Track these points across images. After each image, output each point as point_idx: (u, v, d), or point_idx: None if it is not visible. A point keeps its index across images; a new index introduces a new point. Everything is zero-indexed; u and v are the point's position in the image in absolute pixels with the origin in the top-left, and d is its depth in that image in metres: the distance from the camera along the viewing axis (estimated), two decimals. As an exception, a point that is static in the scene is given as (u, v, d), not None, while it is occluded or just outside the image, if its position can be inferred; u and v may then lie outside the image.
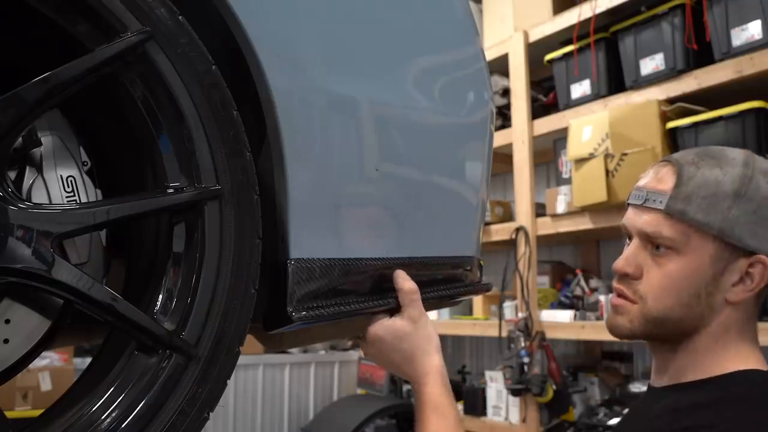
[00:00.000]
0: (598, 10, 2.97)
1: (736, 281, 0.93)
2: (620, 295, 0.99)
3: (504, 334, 3.33)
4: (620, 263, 0.99)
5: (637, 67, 2.85)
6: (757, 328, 0.99)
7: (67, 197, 0.82)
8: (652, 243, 0.96)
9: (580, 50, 3.09)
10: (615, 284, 1.01)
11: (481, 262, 1.24)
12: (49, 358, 3.34)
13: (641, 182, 1.01)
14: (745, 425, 0.85)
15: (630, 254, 0.98)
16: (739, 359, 0.94)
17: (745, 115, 2.44)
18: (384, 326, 1.02)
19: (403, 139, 1.05)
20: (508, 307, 3.36)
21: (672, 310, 0.95)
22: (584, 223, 3.00)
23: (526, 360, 3.11)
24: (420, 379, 1.02)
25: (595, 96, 3.05)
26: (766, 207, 0.92)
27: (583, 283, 3.25)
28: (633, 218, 0.99)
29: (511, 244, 3.37)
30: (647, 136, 2.65)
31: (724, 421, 0.86)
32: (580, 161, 2.86)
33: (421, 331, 1.03)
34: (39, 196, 0.80)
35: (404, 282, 1.01)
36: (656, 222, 0.95)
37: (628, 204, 1.01)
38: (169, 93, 0.78)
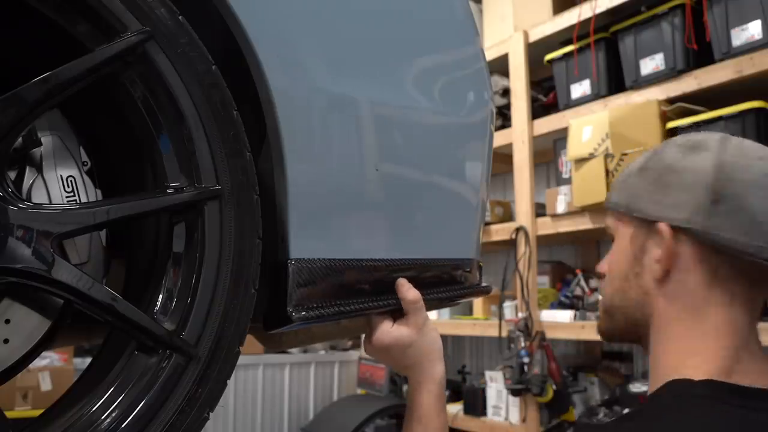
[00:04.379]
0: (598, 10, 2.97)
1: (658, 257, 0.87)
2: None
3: (504, 334, 3.33)
4: (599, 263, 1.00)
5: (637, 67, 2.85)
6: (731, 323, 0.85)
7: (67, 197, 0.82)
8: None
9: (580, 50, 3.09)
10: None
11: (481, 264, 1.24)
12: (49, 358, 3.34)
13: None
14: None
15: (608, 254, 0.99)
16: (679, 363, 0.85)
17: (745, 115, 2.44)
18: (390, 335, 1.03)
19: (403, 140, 1.05)
20: (508, 307, 3.36)
21: (613, 299, 0.94)
22: (584, 223, 3.00)
23: (526, 360, 3.11)
24: (416, 385, 1.05)
25: (595, 96, 3.05)
26: (667, 173, 0.87)
27: (583, 283, 3.25)
28: None
29: (511, 244, 3.36)
30: (647, 136, 2.65)
31: None
32: (580, 161, 2.86)
33: (425, 338, 1.04)
34: (39, 196, 0.80)
35: (407, 291, 1.02)
36: (607, 217, 0.98)
37: None
38: (169, 93, 0.78)
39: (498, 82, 3.52)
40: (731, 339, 0.85)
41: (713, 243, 0.83)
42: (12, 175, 0.78)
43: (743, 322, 0.85)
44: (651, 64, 2.80)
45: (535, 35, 3.35)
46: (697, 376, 0.82)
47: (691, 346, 0.85)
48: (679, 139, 0.92)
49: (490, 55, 3.41)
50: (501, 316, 3.38)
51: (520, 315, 3.22)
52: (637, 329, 0.92)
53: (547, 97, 3.43)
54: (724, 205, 0.82)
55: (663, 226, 0.85)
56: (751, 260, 0.82)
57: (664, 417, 0.80)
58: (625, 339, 0.98)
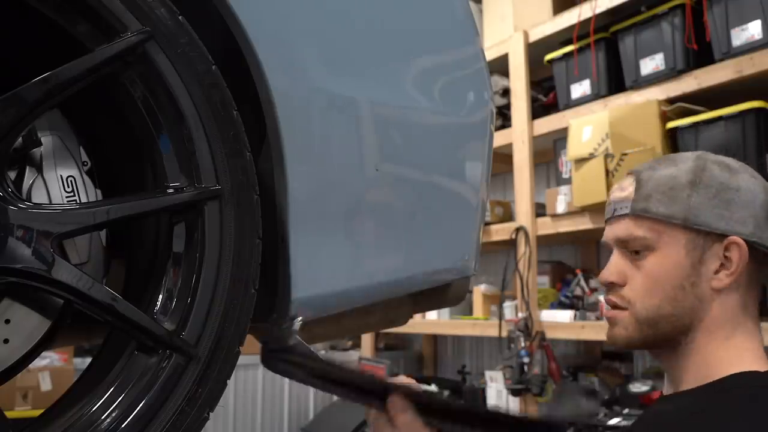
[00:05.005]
0: (598, 10, 2.97)
1: (717, 268, 0.94)
2: (613, 306, 1.00)
3: (504, 334, 3.33)
4: (604, 274, 1.00)
5: (637, 67, 2.85)
6: (757, 320, 0.98)
7: (67, 197, 0.82)
8: (629, 248, 0.98)
9: (580, 50, 3.09)
10: (606, 297, 1.02)
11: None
12: (49, 358, 3.34)
13: (609, 198, 1.04)
14: None
15: (612, 264, 1.00)
16: (736, 358, 0.93)
17: (745, 115, 2.44)
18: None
19: (403, 140, 1.05)
20: (508, 307, 3.36)
21: (661, 308, 0.95)
22: (584, 223, 3.00)
23: (526, 360, 3.11)
24: None
25: (595, 96, 3.05)
26: (725, 190, 0.94)
27: (583, 283, 3.25)
28: (608, 232, 1.02)
29: (511, 244, 3.36)
30: (647, 136, 2.65)
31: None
32: (580, 161, 2.86)
33: None
34: (39, 196, 0.80)
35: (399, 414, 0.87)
36: (627, 226, 0.98)
37: (605, 223, 1.04)
38: (169, 93, 0.78)
39: (498, 82, 3.52)
40: (759, 336, 0.97)
41: (765, 251, 0.95)
42: (12, 175, 0.78)
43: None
44: (651, 64, 2.80)
45: (535, 35, 3.35)
46: (762, 368, 0.92)
47: (741, 343, 0.95)
48: (710, 156, 0.99)
49: (490, 55, 3.41)
50: (501, 316, 3.38)
51: (520, 315, 3.22)
52: (678, 335, 0.96)
53: (547, 97, 3.43)
54: None
55: (739, 240, 0.93)
56: None
57: (760, 401, 0.87)
58: (654, 346, 0.99)
